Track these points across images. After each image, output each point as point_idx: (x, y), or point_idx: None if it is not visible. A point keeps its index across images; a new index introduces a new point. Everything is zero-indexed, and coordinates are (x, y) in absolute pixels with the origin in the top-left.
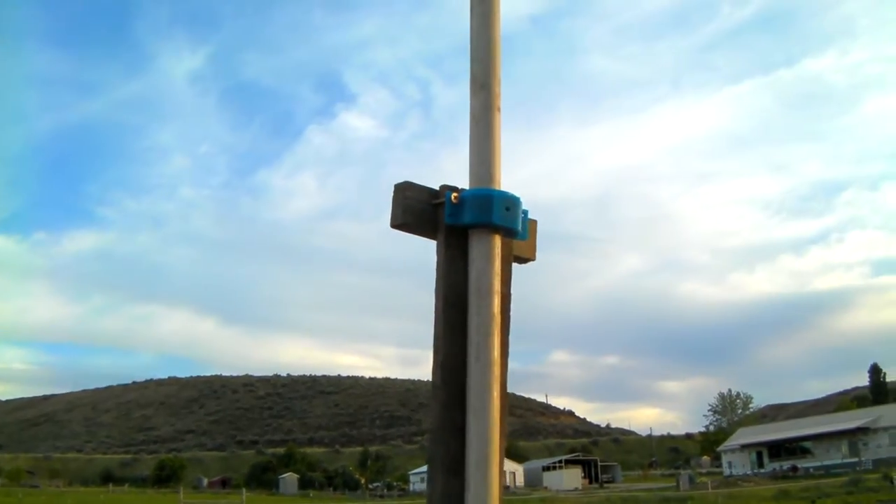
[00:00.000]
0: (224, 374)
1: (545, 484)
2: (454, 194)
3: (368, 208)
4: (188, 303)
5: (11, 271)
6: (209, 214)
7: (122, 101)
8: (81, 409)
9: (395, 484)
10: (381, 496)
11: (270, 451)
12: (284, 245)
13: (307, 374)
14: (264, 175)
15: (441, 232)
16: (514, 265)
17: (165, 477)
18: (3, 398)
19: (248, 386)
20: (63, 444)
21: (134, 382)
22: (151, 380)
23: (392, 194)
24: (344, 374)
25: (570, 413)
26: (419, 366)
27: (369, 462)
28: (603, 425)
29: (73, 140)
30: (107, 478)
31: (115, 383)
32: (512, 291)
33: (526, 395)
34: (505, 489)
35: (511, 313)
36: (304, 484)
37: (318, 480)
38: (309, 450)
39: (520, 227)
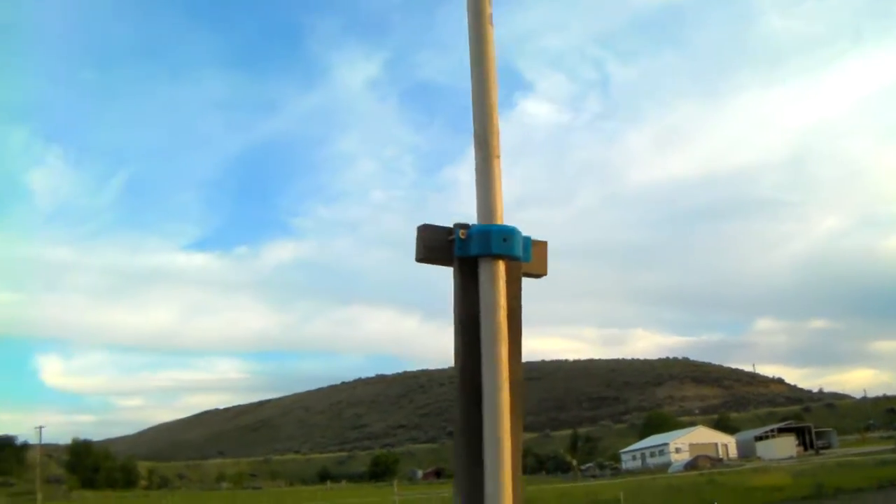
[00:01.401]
0: (430, 368)
1: (758, 454)
2: (461, 231)
3: (557, 193)
4: (390, 302)
5: (218, 286)
6: (401, 214)
7: (304, 114)
8: (295, 412)
9: (606, 464)
10: (594, 476)
11: None
12: None
13: None
14: (450, 171)
15: (455, 263)
16: (529, 280)
17: (381, 472)
18: (222, 406)
19: (454, 378)
20: (281, 446)
21: (343, 383)
22: (359, 379)
23: (416, 234)
24: (547, 358)
25: (780, 381)
26: (621, 345)
27: (579, 444)
28: (815, 391)
29: (261, 157)
30: (324, 476)
31: (325, 385)
32: (523, 304)
33: (733, 366)
34: (718, 461)
35: (521, 324)
36: None
37: (530, 465)
38: None
39: (520, 252)
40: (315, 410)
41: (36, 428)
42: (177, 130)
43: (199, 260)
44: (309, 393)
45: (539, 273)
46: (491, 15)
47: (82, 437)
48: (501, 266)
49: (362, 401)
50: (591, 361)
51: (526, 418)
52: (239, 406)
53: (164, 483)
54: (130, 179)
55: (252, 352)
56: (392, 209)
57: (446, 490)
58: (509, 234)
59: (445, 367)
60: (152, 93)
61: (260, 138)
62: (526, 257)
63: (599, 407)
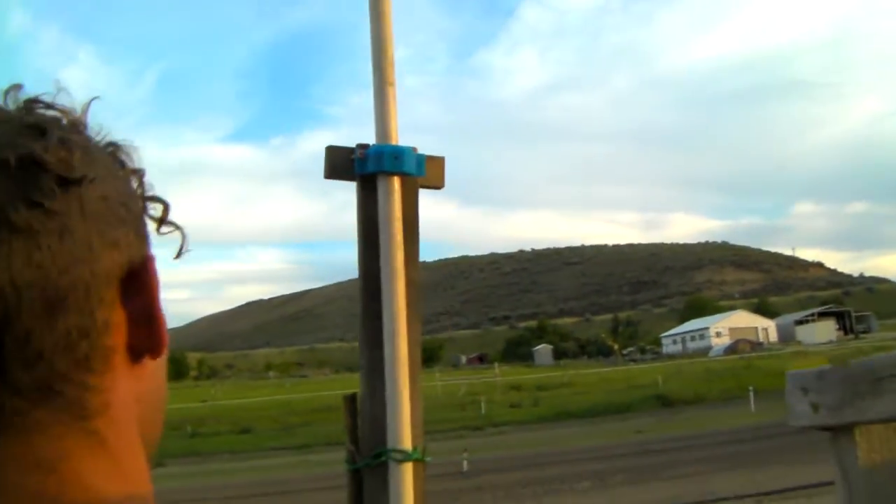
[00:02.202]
0: (470, 254)
1: (798, 338)
2: (360, 151)
3: (592, 77)
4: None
5: (256, 177)
6: (435, 101)
7: (333, 1)
8: (338, 301)
9: (647, 347)
10: (635, 360)
11: (522, 325)
12: (513, 122)
13: (551, 246)
14: (483, 56)
15: (357, 179)
16: (428, 191)
17: (425, 358)
18: (265, 297)
19: (493, 264)
20: (325, 334)
21: None
22: None
23: (324, 153)
24: (587, 243)
25: (820, 265)
26: (662, 229)
27: (620, 328)
28: (855, 275)
29: (293, 45)
30: None
31: None
32: (421, 213)
33: (773, 250)
34: (758, 345)
35: (419, 233)
36: (558, 354)
37: (572, 350)
38: (560, 321)
39: (412, 169)
40: (358, 298)
41: None
42: (207, 21)
43: (237, 152)
44: (352, 281)
45: (436, 185)
46: None
47: None
48: (396, 181)
49: None
50: (631, 246)
51: (566, 303)
52: (283, 296)
53: (213, 373)
54: (164, 73)
55: (293, 242)
56: (425, 95)
57: (488, 375)
58: (400, 153)
59: (486, 252)
60: None
61: (291, 26)
62: (419, 172)
63: (639, 291)
